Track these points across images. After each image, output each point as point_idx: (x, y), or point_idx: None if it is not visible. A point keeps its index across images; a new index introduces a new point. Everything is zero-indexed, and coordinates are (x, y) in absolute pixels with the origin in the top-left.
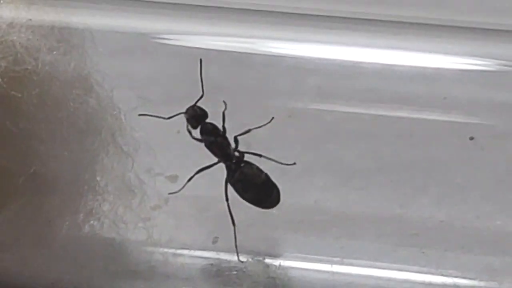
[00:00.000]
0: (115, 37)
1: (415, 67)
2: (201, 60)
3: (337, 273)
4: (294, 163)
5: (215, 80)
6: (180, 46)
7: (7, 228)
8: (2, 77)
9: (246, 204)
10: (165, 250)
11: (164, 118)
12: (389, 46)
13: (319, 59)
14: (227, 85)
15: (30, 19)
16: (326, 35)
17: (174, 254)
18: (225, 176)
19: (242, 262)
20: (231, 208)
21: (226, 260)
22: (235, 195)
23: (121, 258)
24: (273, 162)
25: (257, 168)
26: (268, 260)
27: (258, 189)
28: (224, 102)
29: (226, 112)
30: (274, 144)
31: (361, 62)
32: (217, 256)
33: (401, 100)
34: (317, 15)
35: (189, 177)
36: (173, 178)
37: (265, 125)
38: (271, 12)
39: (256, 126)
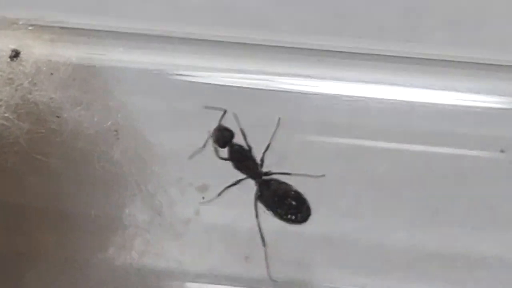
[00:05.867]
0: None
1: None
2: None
3: None
4: (323, 175)
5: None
6: (205, 83)
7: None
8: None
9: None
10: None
11: (200, 151)
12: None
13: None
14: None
15: (51, 73)
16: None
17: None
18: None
19: (276, 281)
20: (261, 226)
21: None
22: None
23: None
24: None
25: (286, 184)
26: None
27: (289, 204)
28: (234, 114)
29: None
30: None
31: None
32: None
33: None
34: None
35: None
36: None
37: (277, 128)
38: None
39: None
